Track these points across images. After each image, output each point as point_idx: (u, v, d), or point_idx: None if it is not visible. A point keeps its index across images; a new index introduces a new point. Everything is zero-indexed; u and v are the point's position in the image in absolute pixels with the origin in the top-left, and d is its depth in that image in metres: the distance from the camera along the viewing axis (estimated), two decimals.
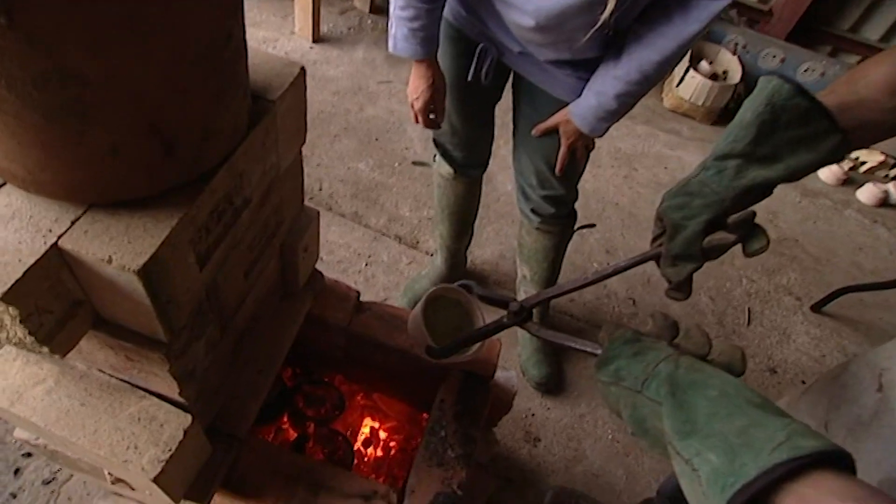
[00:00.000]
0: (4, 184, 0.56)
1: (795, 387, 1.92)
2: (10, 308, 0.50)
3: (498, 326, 0.76)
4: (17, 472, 1.29)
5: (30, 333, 0.53)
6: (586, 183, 2.40)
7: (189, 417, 0.69)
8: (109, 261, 0.52)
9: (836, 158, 0.67)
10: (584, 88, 1.10)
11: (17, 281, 0.49)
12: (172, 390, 0.67)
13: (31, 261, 0.50)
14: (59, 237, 0.53)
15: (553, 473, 1.55)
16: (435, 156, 1.55)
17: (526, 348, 1.75)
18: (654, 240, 0.76)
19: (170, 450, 0.66)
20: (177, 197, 0.57)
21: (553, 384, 1.71)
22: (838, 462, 0.44)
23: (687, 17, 0.93)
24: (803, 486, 0.42)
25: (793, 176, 0.66)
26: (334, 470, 0.83)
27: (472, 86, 1.25)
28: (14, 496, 1.26)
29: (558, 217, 1.44)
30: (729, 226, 0.68)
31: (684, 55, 1.03)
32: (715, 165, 0.68)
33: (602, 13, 0.89)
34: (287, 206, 0.84)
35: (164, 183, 0.56)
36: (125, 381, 0.70)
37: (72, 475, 1.29)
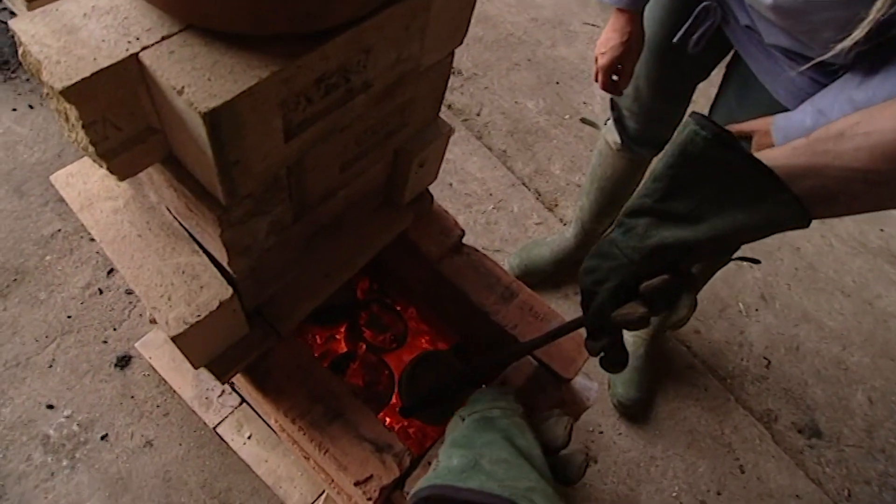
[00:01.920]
0: None
1: None
2: (71, 107, 0.45)
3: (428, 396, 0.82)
4: (110, 272, 1.40)
5: (91, 143, 0.49)
6: None
7: (230, 291, 0.63)
8: (181, 92, 0.44)
9: (794, 224, 0.51)
10: (811, 95, 0.83)
11: (81, 80, 0.43)
12: (223, 258, 0.61)
13: (105, 64, 0.44)
14: (144, 49, 0.46)
15: (596, 503, 1.39)
16: (607, 120, 1.35)
17: None
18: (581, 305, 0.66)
19: (198, 315, 0.61)
20: (283, 49, 0.48)
21: (637, 411, 1.51)
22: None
23: None
24: None
25: (725, 239, 0.53)
26: (361, 407, 0.76)
27: (675, 49, 1.02)
28: (101, 292, 1.37)
29: None
30: (642, 294, 0.57)
31: None
32: (625, 223, 0.58)
33: (864, 15, 0.62)
34: (417, 111, 0.73)
35: (270, 25, 0.47)
36: (186, 230, 0.66)
37: None
